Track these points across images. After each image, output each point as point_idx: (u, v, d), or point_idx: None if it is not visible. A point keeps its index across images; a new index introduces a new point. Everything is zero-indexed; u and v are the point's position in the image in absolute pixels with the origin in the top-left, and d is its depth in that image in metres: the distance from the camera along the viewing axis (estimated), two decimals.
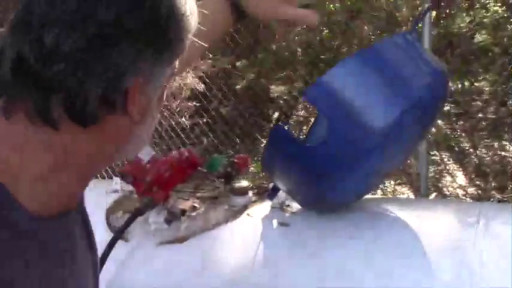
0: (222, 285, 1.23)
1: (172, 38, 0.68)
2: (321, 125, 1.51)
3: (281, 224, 1.37)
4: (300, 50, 4.64)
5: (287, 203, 1.47)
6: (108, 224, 1.54)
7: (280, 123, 1.27)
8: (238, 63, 4.37)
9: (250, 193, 1.57)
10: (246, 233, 1.41)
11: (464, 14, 4.46)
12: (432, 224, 1.36)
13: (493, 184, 4.29)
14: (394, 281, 1.19)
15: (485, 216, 1.33)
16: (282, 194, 1.47)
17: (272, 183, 1.46)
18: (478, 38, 4.28)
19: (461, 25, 4.21)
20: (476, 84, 5.01)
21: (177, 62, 0.74)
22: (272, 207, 1.47)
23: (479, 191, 4.25)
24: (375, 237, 1.29)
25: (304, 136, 1.72)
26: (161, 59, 0.69)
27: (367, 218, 1.37)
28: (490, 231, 1.27)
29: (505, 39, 4.50)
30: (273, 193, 1.45)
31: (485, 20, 4.57)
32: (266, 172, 1.40)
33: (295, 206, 1.44)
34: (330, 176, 1.24)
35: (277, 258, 1.30)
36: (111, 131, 0.70)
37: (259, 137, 4.63)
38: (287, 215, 1.43)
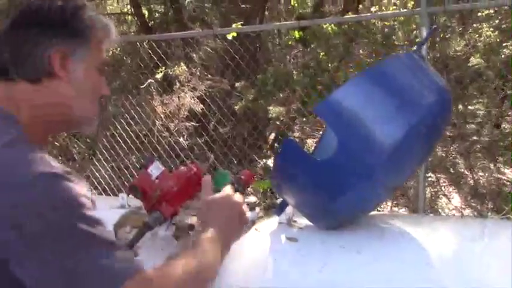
0: None
1: (73, 30, 1.10)
2: (329, 140, 1.54)
3: (289, 239, 1.39)
4: (296, 72, 4.71)
5: (294, 218, 1.48)
6: (117, 238, 1.55)
7: (290, 139, 1.29)
8: (237, 84, 4.42)
9: (258, 209, 1.58)
10: (254, 248, 1.42)
11: (459, 39, 4.56)
12: (438, 239, 1.38)
13: (489, 205, 4.33)
14: None
15: (489, 231, 1.35)
16: (289, 210, 1.49)
17: (280, 199, 1.48)
18: (473, 61, 4.37)
19: (457, 48, 4.31)
20: (470, 107, 5.09)
21: (98, 47, 1.15)
22: (280, 223, 1.48)
23: (475, 213, 4.28)
24: (382, 252, 1.31)
25: (312, 151, 1.75)
26: (69, 40, 1.09)
27: (374, 232, 1.39)
28: (494, 246, 1.29)
29: (498, 63, 4.59)
30: (280, 208, 1.47)
31: (478, 44, 4.67)
32: (274, 187, 1.42)
33: (303, 221, 1.46)
34: (338, 191, 1.26)
35: (286, 272, 1.31)
36: (52, 89, 1.08)
37: (256, 158, 4.67)
38: (295, 230, 1.45)
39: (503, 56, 4.72)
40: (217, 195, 1.27)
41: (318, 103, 1.23)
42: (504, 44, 4.64)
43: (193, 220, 1.59)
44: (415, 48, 1.47)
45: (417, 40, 4.10)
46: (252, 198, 1.57)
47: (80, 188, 0.95)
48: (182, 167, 1.56)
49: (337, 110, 1.22)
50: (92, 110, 1.17)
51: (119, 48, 5.72)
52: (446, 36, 4.53)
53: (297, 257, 1.34)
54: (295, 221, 1.48)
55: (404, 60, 1.34)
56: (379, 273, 1.26)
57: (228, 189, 1.30)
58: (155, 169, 1.51)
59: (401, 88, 1.28)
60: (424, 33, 3.03)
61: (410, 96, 1.27)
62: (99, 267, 0.89)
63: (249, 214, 1.26)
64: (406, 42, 4.43)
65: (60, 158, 5.62)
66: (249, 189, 1.65)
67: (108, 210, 1.74)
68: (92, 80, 1.15)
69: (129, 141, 4.34)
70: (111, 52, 5.92)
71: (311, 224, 1.45)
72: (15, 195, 0.89)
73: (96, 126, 1.27)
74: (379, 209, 2.44)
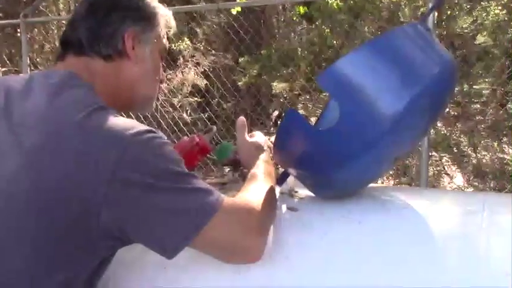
0: (231, 266, 1.25)
1: (144, 14, 1.24)
2: (332, 111, 1.53)
3: (290, 208, 1.39)
4: (300, 49, 4.69)
5: (295, 189, 1.49)
6: None
7: (293, 109, 1.30)
8: (241, 60, 4.41)
9: None
10: None
11: (466, 17, 4.51)
12: (439, 211, 1.39)
13: (491, 185, 4.34)
14: (401, 265, 1.22)
15: (490, 205, 1.35)
16: (290, 181, 1.49)
17: (281, 170, 1.48)
18: (480, 39, 4.33)
19: (464, 26, 4.27)
20: (475, 86, 5.06)
21: (161, 33, 1.29)
22: (281, 193, 1.49)
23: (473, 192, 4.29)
24: (384, 223, 1.31)
25: (315, 121, 1.75)
26: (140, 23, 1.23)
27: (376, 204, 1.40)
28: (496, 218, 1.29)
29: (505, 42, 4.55)
30: (282, 179, 1.47)
31: (486, 22, 4.62)
32: (276, 158, 1.42)
33: (304, 192, 1.47)
34: (340, 161, 1.26)
35: (287, 241, 1.32)
36: (122, 67, 1.21)
37: None
38: (296, 200, 1.45)
39: (510, 34, 4.68)
40: (252, 140, 1.48)
41: (321, 73, 1.23)
42: None
43: None
44: (420, 19, 1.46)
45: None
46: None
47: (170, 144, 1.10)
48: (185, 137, 1.57)
49: (340, 80, 1.22)
50: (153, 90, 1.31)
51: None
52: (453, 14, 4.48)
53: (297, 227, 1.35)
54: (296, 192, 1.49)
55: (409, 31, 1.33)
56: (380, 244, 1.27)
57: (259, 136, 1.52)
58: None
59: (404, 59, 1.27)
60: None
61: (413, 67, 1.26)
62: (195, 203, 1.05)
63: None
64: (412, 19, 4.39)
65: None
66: None
67: None
68: (155, 62, 1.29)
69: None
70: None
71: (312, 194, 1.46)
72: (119, 150, 0.99)
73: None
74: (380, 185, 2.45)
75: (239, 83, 4.36)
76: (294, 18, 5.20)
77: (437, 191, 2.51)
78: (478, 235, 1.25)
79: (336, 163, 1.26)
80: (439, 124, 4.52)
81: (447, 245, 1.25)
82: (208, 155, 1.66)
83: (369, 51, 1.27)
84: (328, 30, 4.76)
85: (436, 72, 1.27)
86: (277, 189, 1.51)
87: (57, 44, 6.04)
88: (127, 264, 1.36)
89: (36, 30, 5.87)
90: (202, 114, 4.16)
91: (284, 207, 1.42)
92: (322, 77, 1.25)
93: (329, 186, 1.38)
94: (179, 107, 4.31)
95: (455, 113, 4.79)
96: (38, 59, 5.84)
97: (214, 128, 1.64)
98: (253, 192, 1.20)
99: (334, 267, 1.25)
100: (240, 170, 1.60)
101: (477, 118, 4.95)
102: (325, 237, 1.30)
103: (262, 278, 1.26)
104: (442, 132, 4.53)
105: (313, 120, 4.95)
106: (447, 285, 1.14)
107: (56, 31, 6.11)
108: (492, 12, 4.74)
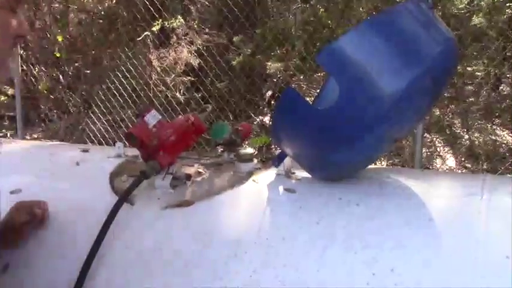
0: (228, 248, 1.24)
1: None
2: (330, 90, 1.51)
3: (287, 190, 1.37)
4: (295, 28, 4.63)
5: (293, 170, 1.47)
6: (113, 187, 1.53)
7: (291, 88, 1.27)
8: (235, 39, 4.35)
9: (255, 160, 1.56)
10: (252, 198, 1.41)
11: None
12: (438, 193, 1.37)
13: (484, 166, 4.35)
14: (399, 247, 1.20)
15: (489, 186, 1.34)
16: (287, 162, 1.47)
17: (279, 150, 1.46)
18: (475, 20, 4.30)
19: (460, 6, 4.23)
20: (469, 68, 5.04)
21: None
22: (277, 174, 1.47)
23: (470, 173, 4.31)
24: (381, 204, 1.30)
25: (312, 102, 1.72)
26: None
27: (374, 186, 1.38)
28: (494, 200, 1.28)
29: (500, 23, 4.52)
30: (279, 160, 1.45)
31: (481, 2, 4.58)
32: (273, 138, 1.40)
33: (301, 174, 1.45)
34: (338, 141, 1.24)
35: (284, 223, 1.31)
36: None
37: (253, 115, 4.63)
38: (293, 181, 1.43)
39: (505, 16, 4.65)
40: None
41: (320, 51, 1.19)
42: (508, 4, 4.57)
43: (190, 170, 1.57)
44: None
45: None
46: (250, 150, 1.55)
47: None
48: (180, 116, 1.54)
49: (340, 58, 1.19)
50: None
51: (114, 0, 5.59)
52: None
53: (295, 209, 1.33)
54: (293, 173, 1.47)
55: (411, 9, 1.29)
56: (377, 227, 1.25)
57: None
58: (152, 118, 1.48)
59: (406, 37, 1.24)
60: None
61: (415, 47, 1.24)
62: None
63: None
64: None
65: (55, 111, 5.58)
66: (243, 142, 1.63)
67: (105, 160, 1.72)
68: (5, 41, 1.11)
69: (125, 95, 4.30)
70: (106, 4, 5.79)
71: (309, 175, 1.43)
72: None
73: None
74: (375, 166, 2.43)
75: (233, 62, 4.31)
76: None
77: (435, 172, 2.50)
78: (477, 218, 1.23)
79: (334, 143, 1.24)
80: None
81: (446, 228, 1.24)
82: (202, 135, 1.63)
83: (369, 28, 1.23)
84: (323, 9, 4.70)
85: (438, 51, 1.24)
86: (274, 170, 1.49)
87: (47, 21, 5.94)
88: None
89: (26, 6, 5.76)
90: (195, 94, 4.12)
91: (281, 189, 1.40)
92: (321, 55, 1.22)
93: (327, 168, 1.36)
94: (172, 86, 4.26)
95: (449, 95, 4.77)
96: (28, 36, 5.75)
97: (209, 107, 1.61)
98: None
99: (331, 250, 1.23)
100: (235, 150, 1.58)
101: (470, 100, 4.94)
102: (322, 220, 1.29)
103: (259, 258, 1.25)
104: (436, 113, 4.52)
105: (308, 100, 4.91)
106: (445, 269, 1.13)
107: (46, 8, 6.00)
108: None
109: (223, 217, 1.38)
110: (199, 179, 1.52)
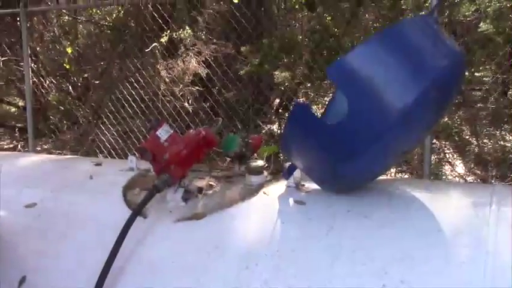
0: (239, 260, 1.25)
1: None
2: (339, 103, 1.53)
3: (297, 202, 1.39)
4: (302, 37, 4.65)
5: (302, 182, 1.49)
6: (126, 200, 1.56)
7: (301, 102, 1.30)
8: (242, 49, 4.37)
9: (266, 172, 1.58)
10: (262, 210, 1.43)
11: (468, 4, 4.47)
12: (446, 204, 1.38)
13: (493, 173, 4.33)
14: (408, 260, 1.21)
15: (498, 197, 1.35)
16: (297, 174, 1.49)
17: (289, 163, 1.48)
18: (483, 27, 4.30)
19: (466, 13, 4.24)
20: (477, 74, 5.03)
21: None
22: (288, 187, 1.49)
23: (479, 180, 4.29)
24: (390, 217, 1.31)
25: (321, 115, 1.74)
26: None
27: (382, 198, 1.39)
28: (503, 212, 1.29)
29: (507, 30, 4.51)
30: (289, 172, 1.47)
31: (488, 9, 4.58)
32: (284, 151, 1.42)
33: (311, 185, 1.46)
34: (347, 155, 1.26)
35: (294, 235, 1.32)
36: None
37: (261, 124, 4.65)
38: (303, 193, 1.45)
39: None
40: None
41: (330, 64, 1.22)
42: None
43: (201, 183, 1.59)
44: (429, 11, 1.45)
45: (426, 5, 4.02)
46: (260, 162, 1.57)
47: None
48: (191, 130, 1.56)
49: (350, 72, 1.21)
50: None
51: (122, 11, 5.64)
52: (456, 1, 4.45)
53: (304, 220, 1.35)
54: (303, 185, 1.49)
55: (419, 24, 1.32)
56: (386, 239, 1.26)
57: None
58: (164, 132, 1.51)
59: (414, 51, 1.26)
60: None
61: (423, 60, 1.26)
62: None
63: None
64: (414, 7, 4.35)
65: (64, 122, 5.63)
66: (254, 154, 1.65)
67: (118, 173, 1.75)
68: None
69: (134, 105, 4.33)
70: (114, 15, 5.85)
71: (319, 188, 1.45)
72: None
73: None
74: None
75: (241, 72, 4.33)
76: (295, 6, 5.16)
77: (444, 183, 2.50)
78: (486, 229, 1.24)
79: (343, 157, 1.26)
80: None
81: (455, 239, 1.25)
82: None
83: (378, 43, 1.26)
84: (330, 18, 4.72)
85: (446, 64, 1.26)
86: (284, 182, 1.51)
87: (56, 32, 6.00)
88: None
89: (35, 19, 5.82)
90: (204, 104, 4.15)
91: (291, 201, 1.42)
92: (331, 69, 1.24)
93: (336, 180, 1.37)
94: (180, 96, 4.29)
95: (457, 101, 4.77)
96: (38, 48, 5.81)
97: (220, 120, 1.63)
98: None
99: (340, 261, 1.25)
100: (246, 163, 1.60)
101: (478, 105, 4.93)
102: (331, 231, 1.30)
103: (270, 270, 1.26)
104: (444, 120, 4.51)
105: (315, 108, 4.93)
106: (455, 280, 1.14)
107: (55, 20, 6.06)
108: (495, 0, 4.69)
109: (235, 229, 1.40)
110: (210, 191, 1.54)
